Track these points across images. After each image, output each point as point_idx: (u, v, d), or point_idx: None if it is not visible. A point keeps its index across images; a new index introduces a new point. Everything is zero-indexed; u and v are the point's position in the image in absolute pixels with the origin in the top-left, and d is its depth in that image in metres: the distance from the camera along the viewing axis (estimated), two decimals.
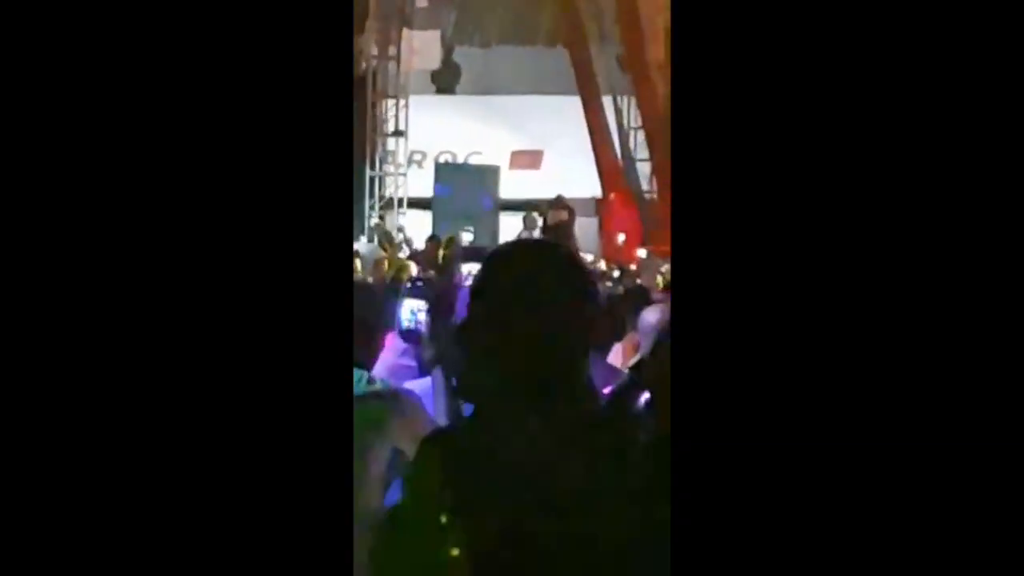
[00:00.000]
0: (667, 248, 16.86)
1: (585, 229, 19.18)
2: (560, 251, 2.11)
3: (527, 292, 2.00)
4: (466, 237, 16.39)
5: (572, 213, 17.89)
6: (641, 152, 19.78)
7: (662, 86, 19.16)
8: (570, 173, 19.87)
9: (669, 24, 19.18)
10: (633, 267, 15.36)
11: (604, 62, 19.51)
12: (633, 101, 19.70)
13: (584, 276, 2.07)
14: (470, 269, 8.90)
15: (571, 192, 19.00)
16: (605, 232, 18.82)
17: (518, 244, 2.86)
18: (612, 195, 18.79)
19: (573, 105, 19.44)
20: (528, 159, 21.23)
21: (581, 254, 16.22)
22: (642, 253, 17.18)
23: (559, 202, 18.05)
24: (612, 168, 19.38)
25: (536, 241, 4.35)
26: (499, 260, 2.10)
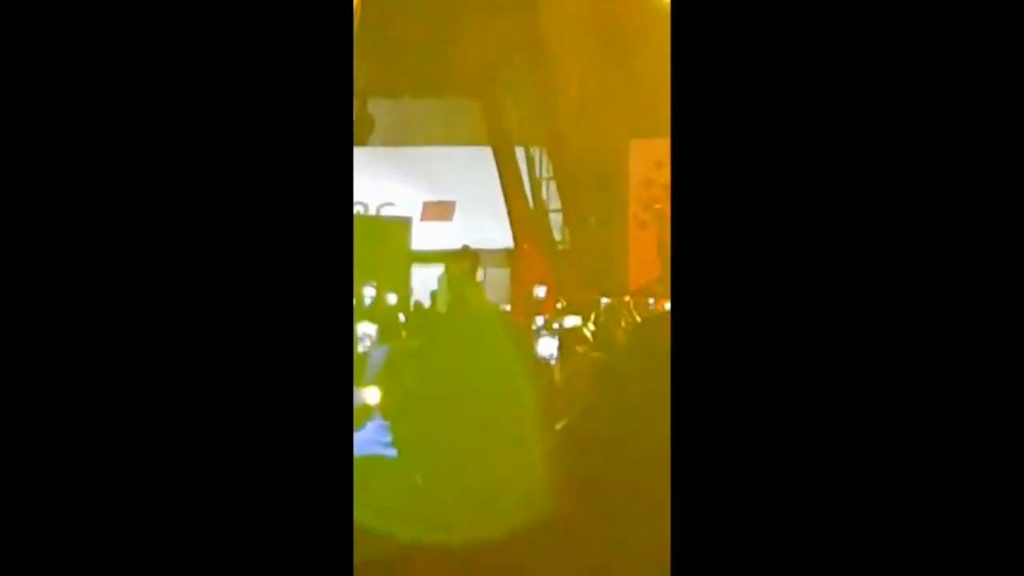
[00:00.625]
0: (580, 298, 16.95)
1: (497, 280, 19.18)
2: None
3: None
4: (367, 292, 16.34)
5: (475, 260, 17.95)
6: (553, 203, 19.89)
7: (573, 136, 19.35)
8: (483, 224, 19.90)
9: (579, 74, 19.40)
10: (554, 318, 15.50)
11: (515, 113, 19.63)
12: (544, 152, 19.84)
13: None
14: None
15: (484, 243, 18.99)
16: (516, 283, 18.82)
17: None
18: (524, 246, 18.82)
19: (485, 156, 19.52)
20: (440, 210, 21.24)
21: (493, 304, 16.35)
22: (605, 301, 17.30)
23: (463, 252, 18.07)
24: (524, 219, 19.44)
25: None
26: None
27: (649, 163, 18.57)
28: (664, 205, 17.98)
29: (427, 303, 16.81)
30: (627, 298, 16.14)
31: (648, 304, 15.71)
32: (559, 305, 17.15)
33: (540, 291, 17.82)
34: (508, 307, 16.88)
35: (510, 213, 19.49)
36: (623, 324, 12.66)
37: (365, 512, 2.01)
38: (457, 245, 18.73)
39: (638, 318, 13.72)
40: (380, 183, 21.47)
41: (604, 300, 16.44)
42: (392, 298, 16.81)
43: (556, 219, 19.90)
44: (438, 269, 18.47)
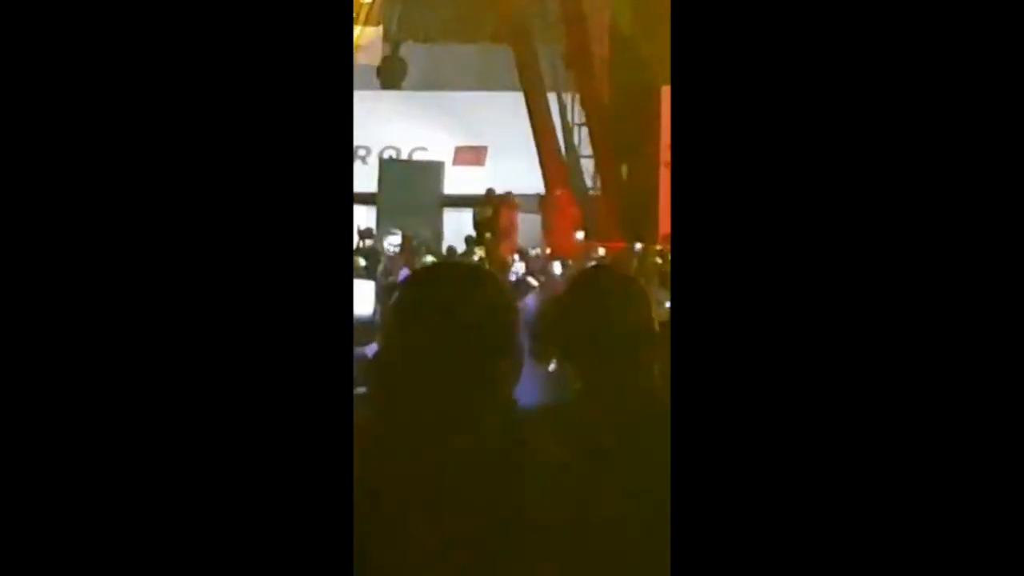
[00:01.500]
0: (612, 243, 16.98)
1: (529, 225, 19.22)
2: (485, 276, 2.16)
3: (449, 320, 2.02)
4: (392, 240, 16.40)
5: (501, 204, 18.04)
6: (585, 148, 19.84)
7: (605, 83, 19.25)
8: (514, 169, 19.89)
9: (611, 21, 19.28)
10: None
11: (548, 59, 19.54)
12: (577, 98, 19.76)
13: (510, 300, 2.11)
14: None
15: (515, 188, 19.03)
16: (549, 227, 18.84)
17: (439, 268, 2.87)
18: (557, 191, 18.83)
19: (517, 101, 19.46)
20: (472, 155, 21.26)
21: (524, 249, 16.32)
22: (579, 235, 17.28)
23: (506, 199, 18.14)
24: (556, 164, 19.41)
25: (458, 265, 4.19)
26: (418, 286, 2.14)
27: None
28: None
29: (460, 247, 16.93)
30: (659, 246, 16.19)
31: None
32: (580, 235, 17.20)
33: (575, 235, 17.85)
34: (539, 251, 16.93)
35: (541, 159, 19.44)
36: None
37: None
38: (491, 190, 18.86)
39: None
40: (412, 127, 21.47)
41: (637, 245, 16.47)
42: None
43: (587, 165, 19.86)
44: (469, 213, 18.58)
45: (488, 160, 21.38)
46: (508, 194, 18.41)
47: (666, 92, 18.41)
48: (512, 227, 18.25)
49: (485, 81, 21.26)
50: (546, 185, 19.32)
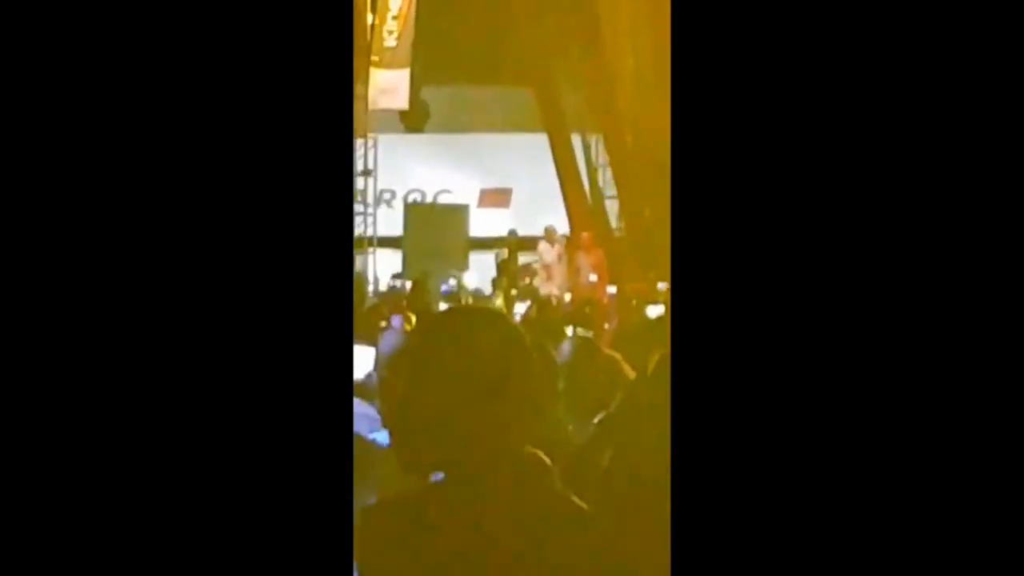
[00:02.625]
0: (637, 286, 16.94)
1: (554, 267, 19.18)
2: (499, 320, 2.13)
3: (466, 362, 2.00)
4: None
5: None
6: (609, 190, 19.81)
7: (629, 124, 19.23)
8: (539, 211, 19.89)
9: (633, 65, 19.30)
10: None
11: (572, 100, 19.56)
12: (601, 139, 19.75)
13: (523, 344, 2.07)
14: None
15: (540, 230, 19.00)
16: (574, 270, 18.80)
17: (456, 312, 2.85)
18: (583, 233, 18.77)
19: (541, 143, 19.48)
20: (497, 197, 21.27)
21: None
22: (662, 286, 17.29)
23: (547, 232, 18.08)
24: (581, 205, 19.38)
25: (473, 309, 4.17)
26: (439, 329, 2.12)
27: None
28: None
29: (487, 290, 16.90)
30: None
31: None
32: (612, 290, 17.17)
33: (594, 278, 17.81)
34: (563, 294, 16.88)
35: (566, 200, 19.43)
36: None
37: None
38: (517, 232, 18.84)
39: None
40: (436, 170, 21.50)
41: (661, 285, 16.42)
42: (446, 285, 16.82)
43: (612, 206, 19.82)
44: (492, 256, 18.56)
45: (513, 202, 21.37)
46: (549, 228, 18.39)
47: None
48: (557, 262, 18.15)
49: (509, 123, 21.28)
50: (571, 227, 19.28)
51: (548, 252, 17.98)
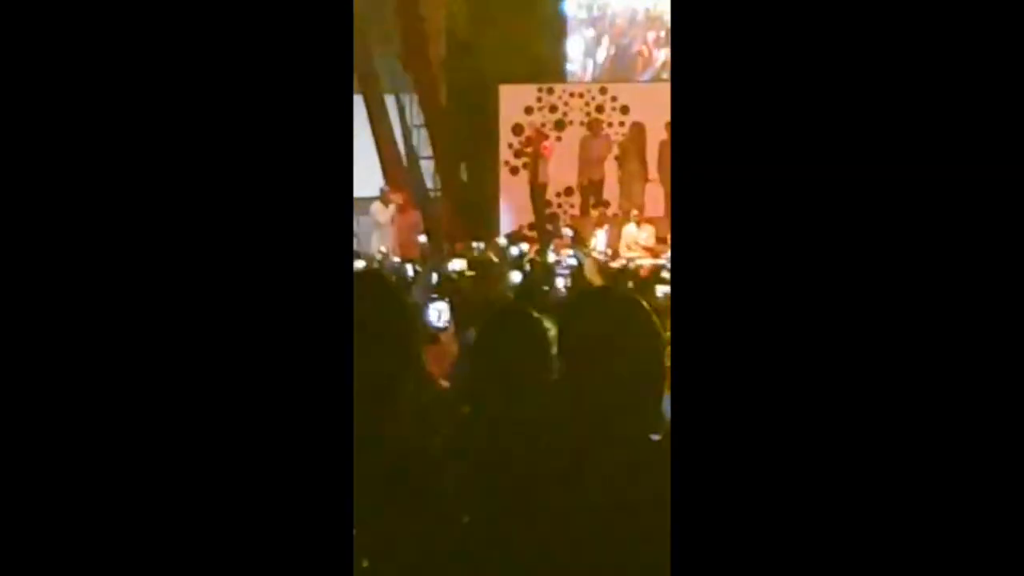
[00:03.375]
0: (455, 243, 16.99)
1: (368, 228, 19.14)
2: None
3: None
4: None
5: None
6: (424, 150, 19.81)
7: (442, 84, 19.25)
8: (355, 172, 19.74)
9: (446, 23, 19.29)
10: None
11: (386, 61, 19.46)
12: (415, 99, 19.72)
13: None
14: None
15: (356, 191, 18.89)
16: (397, 230, 18.74)
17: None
18: (399, 194, 18.75)
19: (356, 105, 19.31)
20: None
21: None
22: (422, 238, 17.27)
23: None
24: (396, 166, 19.34)
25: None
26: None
27: (519, 108, 18.65)
28: (534, 149, 18.11)
29: None
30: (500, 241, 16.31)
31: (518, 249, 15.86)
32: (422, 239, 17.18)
33: (418, 237, 17.79)
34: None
35: (382, 161, 19.36)
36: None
37: None
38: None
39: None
40: None
41: (477, 245, 16.52)
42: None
43: (428, 166, 19.84)
44: None
45: None
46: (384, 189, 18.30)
47: (504, 90, 18.56)
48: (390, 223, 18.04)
49: None
50: (388, 187, 19.23)
51: (382, 213, 17.87)
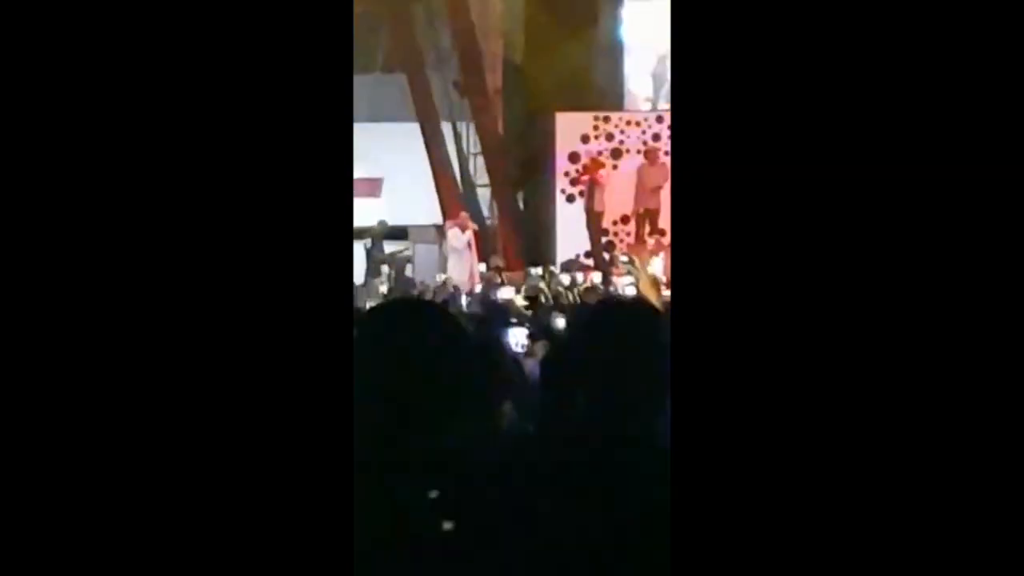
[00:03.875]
0: (513, 272, 17.03)
1: (425, 256, 19.20)
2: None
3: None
4: None
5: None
6: (480, 178, 19.85)
7: (499, 112, 19.30)
8: (410, 200, 19.83)
9: (503, 51, 19.37)
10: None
11: (442, 88, 19.55)
12: (472, 127, 19.78)
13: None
14: None
15: (412, 219, 18.95)
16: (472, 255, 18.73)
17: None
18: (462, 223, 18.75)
19: (412, 132, 19.41)
20: (367, 187, 21.13)
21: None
22: (481, 266, 17.34)
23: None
24: (452, 194, 19.39)
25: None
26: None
27: (575, 136, 18.67)
28: (590, 177, 18.11)
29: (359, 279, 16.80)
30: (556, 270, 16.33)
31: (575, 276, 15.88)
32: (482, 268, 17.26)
33: (476, 265, 17.83)
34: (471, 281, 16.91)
35: (438, 189, 19.42)
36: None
37: None
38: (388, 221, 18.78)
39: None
40: None
41: (533, 271, 16.57)
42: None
43: (484, 194, 19.88)
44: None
45: (383, 191, 21.29)
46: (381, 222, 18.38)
47: (561, 119, 18.58)
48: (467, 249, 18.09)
49: (379, 112, 21.16)
50: (443, 215, 19.29)
51: (458, 239, 17.90)
